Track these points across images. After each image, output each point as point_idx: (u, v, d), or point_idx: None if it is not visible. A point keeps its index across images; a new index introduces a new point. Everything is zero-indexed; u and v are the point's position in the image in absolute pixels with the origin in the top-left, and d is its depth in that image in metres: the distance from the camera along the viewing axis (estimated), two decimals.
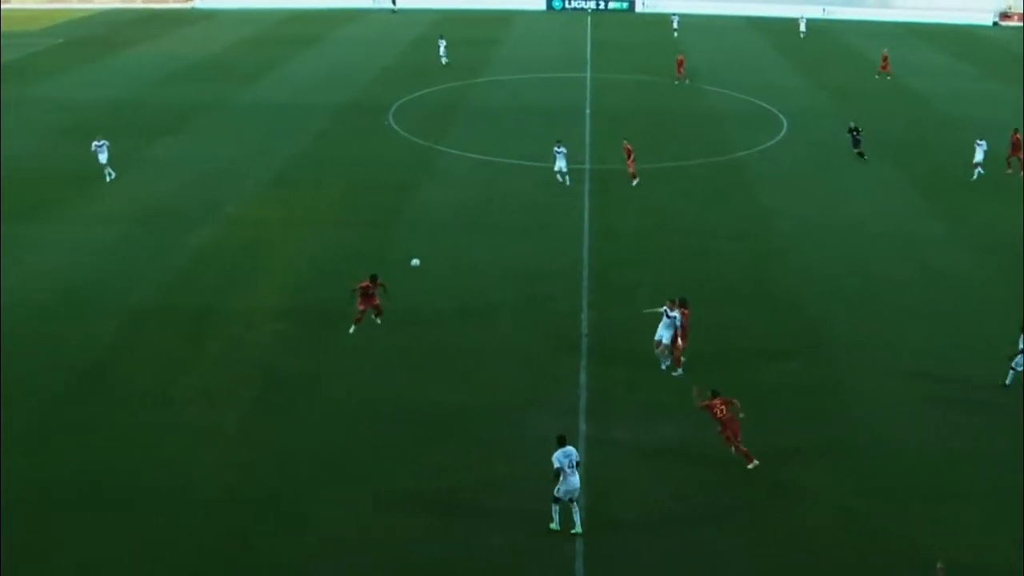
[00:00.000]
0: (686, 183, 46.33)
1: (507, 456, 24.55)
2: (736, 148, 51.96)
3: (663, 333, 28.34)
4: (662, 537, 21.75)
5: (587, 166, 47.94)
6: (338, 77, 70.92)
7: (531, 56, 79.54)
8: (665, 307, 28.40)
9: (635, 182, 45.07)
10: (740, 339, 30.77)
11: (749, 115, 60.00)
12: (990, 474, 23.96)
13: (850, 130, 49.86)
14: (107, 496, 23.08)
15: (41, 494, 23.14)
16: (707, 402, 24.16)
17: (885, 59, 72.17)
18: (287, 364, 29.23)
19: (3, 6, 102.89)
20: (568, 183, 44.31)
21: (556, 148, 44.71)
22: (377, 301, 30.80)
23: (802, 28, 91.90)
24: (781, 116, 58.75)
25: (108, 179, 45.66)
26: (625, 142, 46.36)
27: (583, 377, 28.32)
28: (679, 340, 28.44)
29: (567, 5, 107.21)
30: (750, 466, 23.92)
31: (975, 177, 46.08)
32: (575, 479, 21.45)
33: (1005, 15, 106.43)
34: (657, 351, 28.45)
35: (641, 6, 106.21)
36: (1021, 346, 27.27)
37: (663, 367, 28.46)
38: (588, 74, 71.80)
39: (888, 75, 71.06)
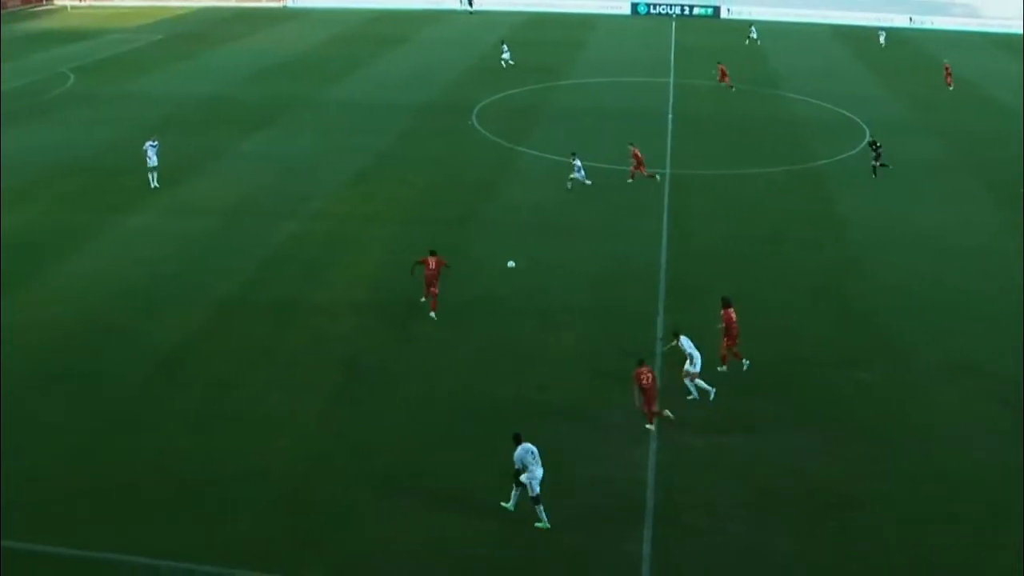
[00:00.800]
0: (766, 190, 46.23)
1: (580, 457, 24.88)
2: (817, 156, 51.69)
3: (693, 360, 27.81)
4: (728, 544, 21.91)
5: (667, 171, 48.07)
6: (423, 77, 71.88)
7: (615, 60, 79.81)
8: (680, 340, 27.83)
9: (630, 180, 45.90)
10: (811, 348, 30.79)
11: (831, 123, 59.56)
12: None
13: (870, 144, 49.16)
14: (183, 482, 23.85)
15: (122, 479, 24.02)
16: (637, 369, 25.74)
17: (948, 71, 71.27)
18: (367, 358, 29.92)
19: (105, 2, 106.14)
20: (569, 188, 44.68)
21: (573, 161, 44.85)
22: (437, 289, 31.75)
23: (881, 41, 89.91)
24: (863, 125, 58.24)
25: (152, 186, 44.85)
26: (633, 148, 46.56)
27: (656, 380, 28.53)
28: (724, 339, 28.79)
29: (651, 10, 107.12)
30: (649, 426, 25.84)
31: None
32: (538, 471, 21.98)
33: None
34: (685, 379, 27.81)
35: (726, 12, 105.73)
36: None
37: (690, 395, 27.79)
38: (671, 79, 71.81)
39: (950, 87, 70.20)
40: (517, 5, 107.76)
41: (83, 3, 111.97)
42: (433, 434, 25.89)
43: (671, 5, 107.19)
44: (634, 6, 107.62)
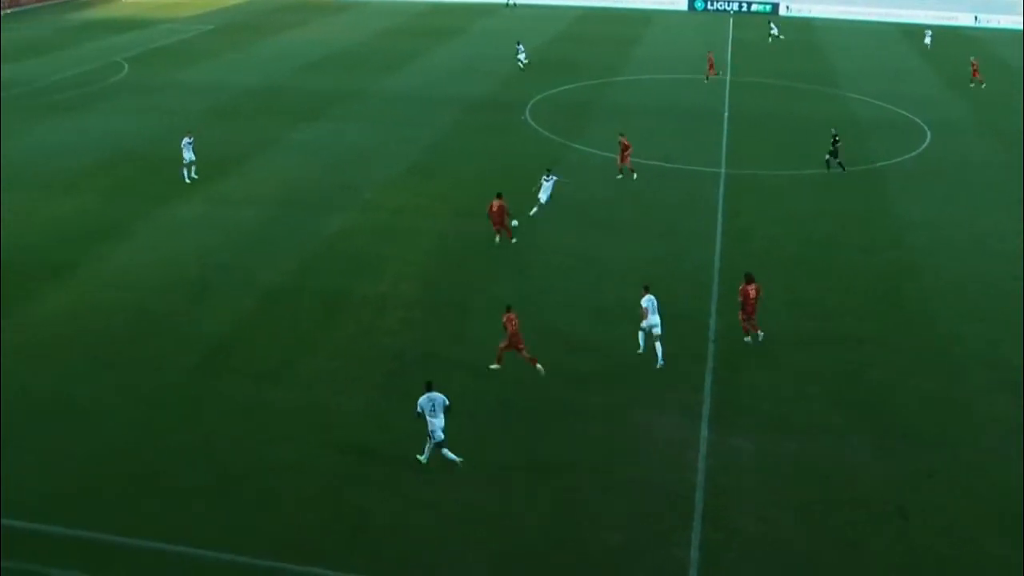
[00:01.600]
0: (824, 191, 45.33)
1: (629, 457, 24.52)
2: (877, 158, 50.69)
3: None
4: (776, 549, 21.41)
5: (722, 170, 47.42)
6: (476, 70, 71.60)
7: (671, 56, 78.91)
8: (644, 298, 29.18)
9: (620, 176, 45.40)
10: (868, 353, 30.01)
11: (892, 124, 58.39)
12: None
13: (832, 137, 47.90)
14: (226, 471, 23.82)
15: (167, 466, 24.02)
16: (505, 316, 27.76)
17: (975, 67, 69.91)
18: (414, 351, 29.68)
19: None
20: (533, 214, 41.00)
21: (545, 178, 41.46)
22: (504, 223, 37.19)
23: (927, 41, 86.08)
24: (924, 126, 57.09)
25: (187, 180, 44.54)
26: (622, 137, 45.97)
27: (708, 382, 28.07)
28: (740, 312, 30.01)
29: (709, 6, 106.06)
30: (538, 366, 27.65)
31: None
32: (437, 420, 23.37)
33: None
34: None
35: (785, 10, 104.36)
36: None
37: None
38: (728, 76, 70.89)
39: (982, 83, 68.83)
40: (577, 1, 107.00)
41: None
42: (479, 427, 25.56)
43: (729, 0, 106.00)
44: (691, 1, 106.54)
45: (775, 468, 24.35)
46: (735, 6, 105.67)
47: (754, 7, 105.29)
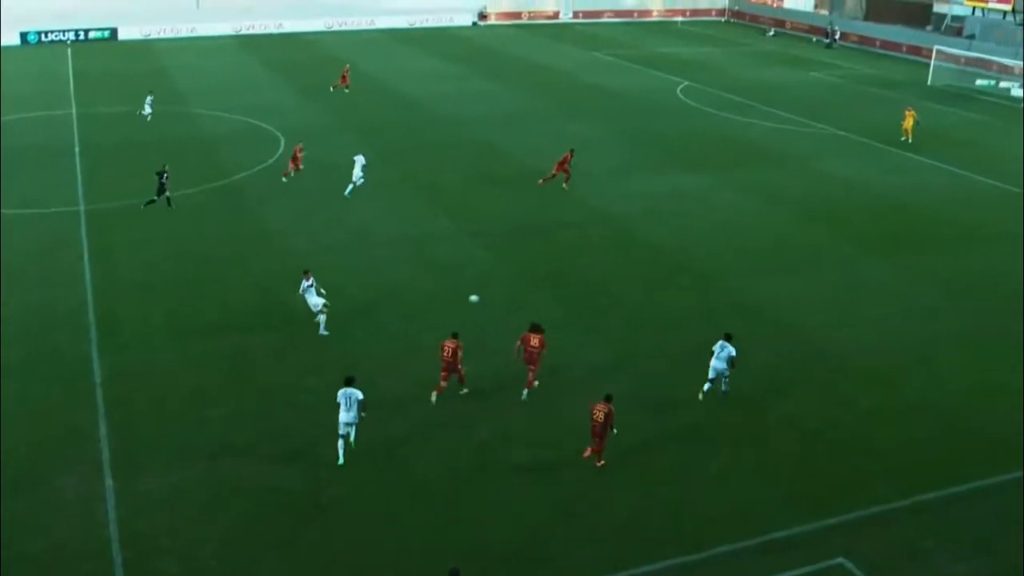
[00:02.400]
0: (194, 211, 45.38)
1: (40, 528, 22.96)
2: (235, 171, 51.69)
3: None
4: None
5: (81, 207, 45.69)
6: None
7: (10, 94, 73.43)
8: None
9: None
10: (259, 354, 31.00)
11: (246, 136, 59.89)
12: None
13: (158, 173, 45.22)
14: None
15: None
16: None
17: (344, 75, 74.95)
18: None
19: None
20: None
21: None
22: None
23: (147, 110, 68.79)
24: (279, 134, 59.24)
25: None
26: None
27: (102, 428, 27.11)
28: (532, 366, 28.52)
29: (44, 38, 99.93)
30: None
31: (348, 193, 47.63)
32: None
33: (483, 15, 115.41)
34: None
35: (125, 34, 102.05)
36: None
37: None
38: (74, 109, 67.69)
39: (347, 88, 73.95)
40: None
41: None
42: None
43: (65, 31, 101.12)
44: (23, 35, 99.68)
45: (187, 501, 24.21)
46: (71, 36, 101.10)
47: (92, 34, 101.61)
